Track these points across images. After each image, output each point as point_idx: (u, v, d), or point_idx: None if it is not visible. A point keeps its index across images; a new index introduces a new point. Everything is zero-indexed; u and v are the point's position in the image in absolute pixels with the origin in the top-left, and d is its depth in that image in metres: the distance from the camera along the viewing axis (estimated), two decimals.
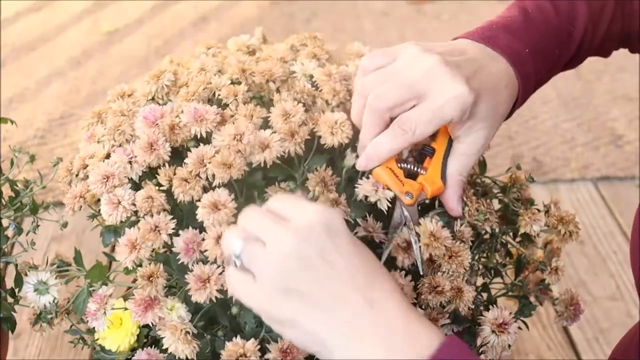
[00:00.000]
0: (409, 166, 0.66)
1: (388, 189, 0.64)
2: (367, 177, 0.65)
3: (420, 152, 0.67)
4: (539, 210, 0.75)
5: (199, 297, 0.61)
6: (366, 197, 0.65)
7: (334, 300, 0.52)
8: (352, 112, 0.66)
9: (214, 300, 0.61)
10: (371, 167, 0.64)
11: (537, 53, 0.69)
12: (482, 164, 0.79)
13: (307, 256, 0.52)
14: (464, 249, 0.66)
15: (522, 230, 0.73)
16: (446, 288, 0.65)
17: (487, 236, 0.77)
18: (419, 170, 0.66)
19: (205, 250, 0.61)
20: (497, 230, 0.72)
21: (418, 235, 0.65)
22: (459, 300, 0.65)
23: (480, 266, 0.74)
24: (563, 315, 0.78)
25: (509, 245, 0.78)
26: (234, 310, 0.65)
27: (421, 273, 0.65)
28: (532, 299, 0.78)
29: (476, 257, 0.75)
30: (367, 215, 0.66)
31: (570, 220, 0.74)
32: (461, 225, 0.68)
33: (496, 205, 0.78)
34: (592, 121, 1.78)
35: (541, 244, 0.79)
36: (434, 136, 0.67)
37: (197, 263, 0.62)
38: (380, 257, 0.66)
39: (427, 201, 0.67)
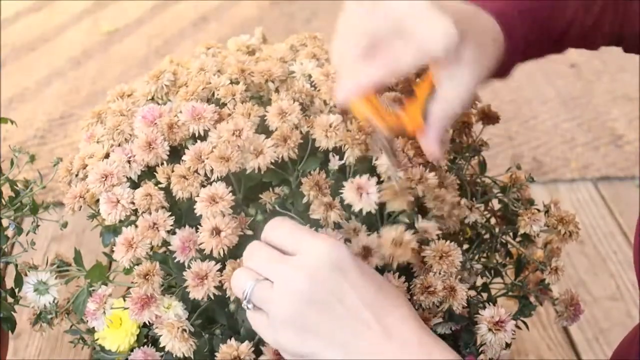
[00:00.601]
0: (390, 106, 0.63)
1: (369, 121, 0.61)
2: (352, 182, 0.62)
3: (401, 97, 0.66)
4: (538, 211, 0.74)
5: (197, 294, 0.61)
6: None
7: (351, 335, 0.52)
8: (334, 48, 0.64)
9: (212, 298, 0.61)
10: (349, 97, 0.60)
11: (527, 19, 0.68)
12: (482, 164, 0.79)
13: (319, 298, 0.52)
14: (454, 248, 0.65)
15: (522, 231, 0.73)
16: (438, 288, 0.64)
17: (487, 236, 0.77)
18: (400, 110, 0.63)
19: (203, 250, 0.61)
20: (496, 230, 0.71)
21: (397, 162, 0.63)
22: (452, 299, 0.64)
23: (481, 266, 0.74)
24: (563, 315, 0.77)
25: (509, 245, 0.78)
26: (232, 307, 0.65)
27: (397, 173, 0.63)
28: (532, 299, 0.78)
29: (476, 257, 0.75)
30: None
31: (570, 220, 0.74)
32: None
33: (496, 205, 0.78)
34: (592, 121, 1.78)
35: (541, 244, 0.78)
36: (416, 83, 0.65)
37: (195, 261, 0.62)
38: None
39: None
